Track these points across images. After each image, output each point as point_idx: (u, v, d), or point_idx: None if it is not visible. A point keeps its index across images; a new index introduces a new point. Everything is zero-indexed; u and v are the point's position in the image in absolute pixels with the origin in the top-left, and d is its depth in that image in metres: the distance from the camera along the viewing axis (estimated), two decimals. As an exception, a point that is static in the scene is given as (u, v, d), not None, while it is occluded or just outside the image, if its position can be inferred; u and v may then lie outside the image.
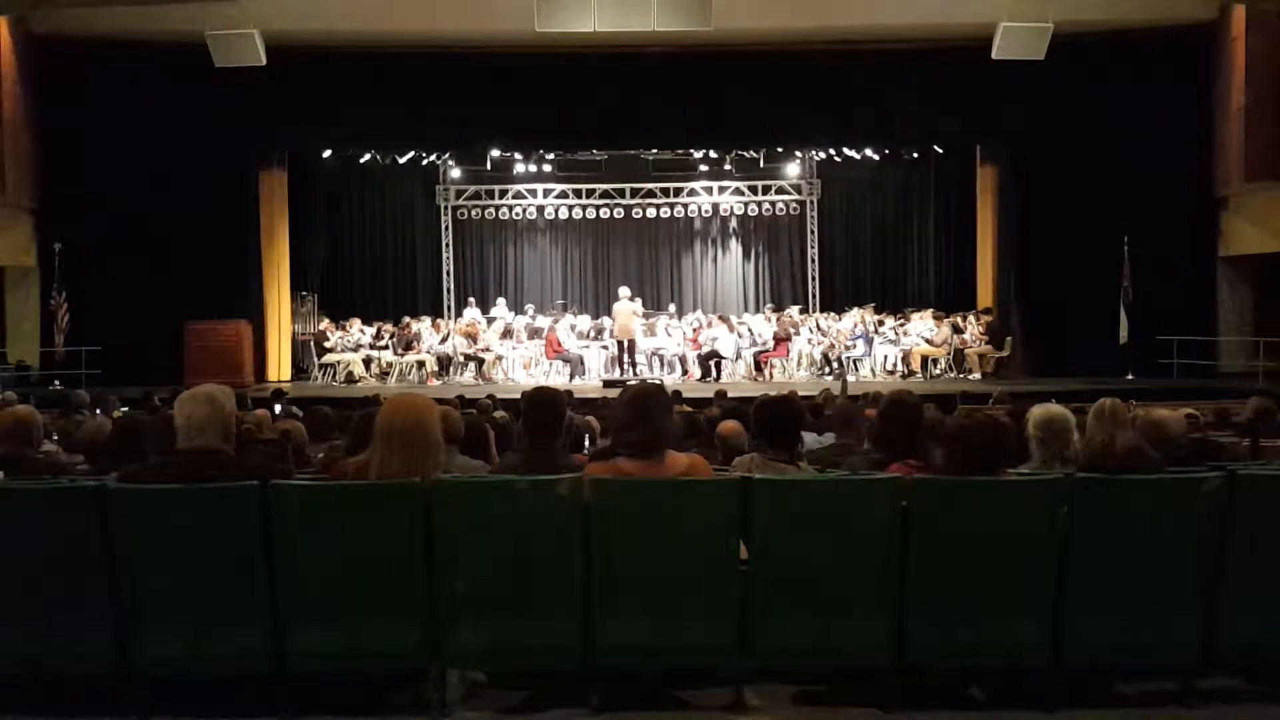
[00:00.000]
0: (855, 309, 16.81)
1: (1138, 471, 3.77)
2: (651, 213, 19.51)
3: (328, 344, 16.37)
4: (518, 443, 4.51)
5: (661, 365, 16.55)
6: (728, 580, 3.59)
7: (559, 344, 16.18)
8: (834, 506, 3.64)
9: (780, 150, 18.50)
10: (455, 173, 19.22)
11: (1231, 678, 3.83)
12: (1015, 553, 3.61)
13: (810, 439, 5.87)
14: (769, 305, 18.11)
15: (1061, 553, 3.60)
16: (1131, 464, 3.85)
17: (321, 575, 3.57)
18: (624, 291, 16.42)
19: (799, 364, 16.34)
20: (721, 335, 16.03)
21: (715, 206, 19.65)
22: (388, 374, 16.07)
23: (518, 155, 18.58)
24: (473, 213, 19.61)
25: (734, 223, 19.84)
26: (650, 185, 19.38)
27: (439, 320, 17.44)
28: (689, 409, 8.00)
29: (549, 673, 3.78)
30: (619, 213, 19.51)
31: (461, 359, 16.27)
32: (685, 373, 16.06)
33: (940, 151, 17.69)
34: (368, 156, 17.64)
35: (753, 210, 19.62)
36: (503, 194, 19.52)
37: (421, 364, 16.16)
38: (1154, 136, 14.79)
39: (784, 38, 15.22)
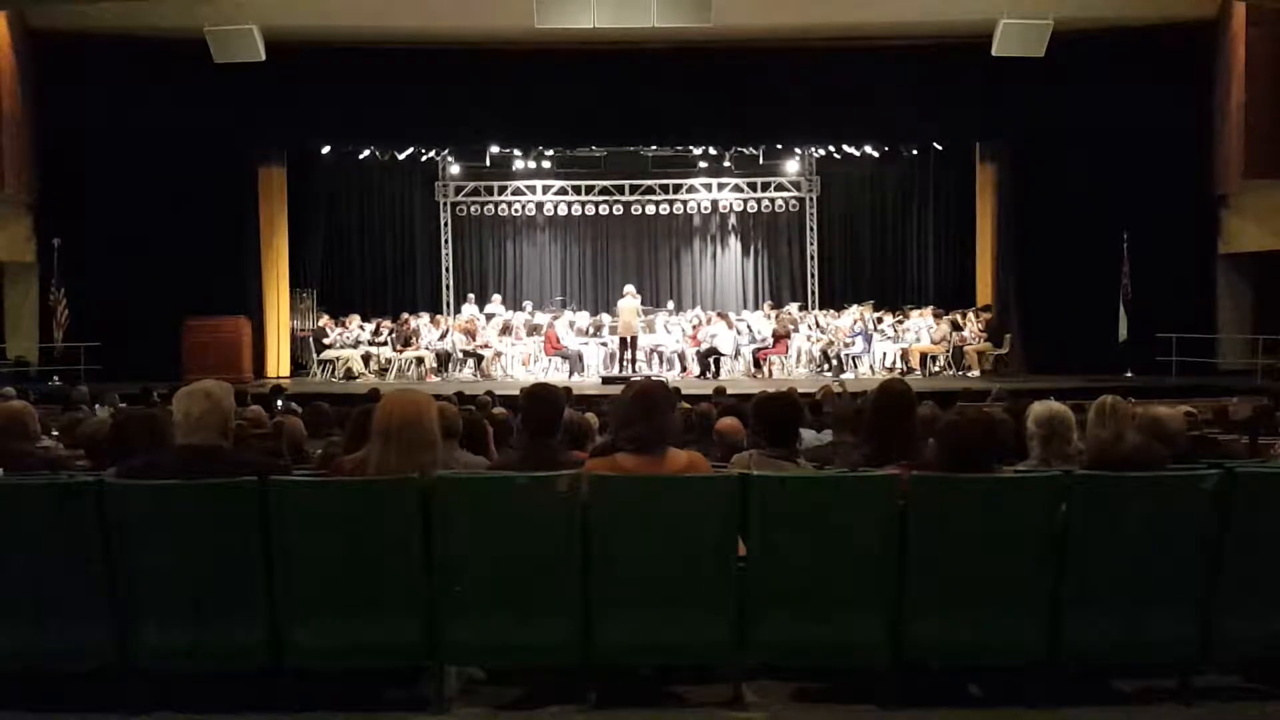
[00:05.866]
0: (854, 306, 16.80)
1: (1143, 469, 3.77)
2: (651, 209, 19.50)
3: (326, 340, 16.36)
4: (517, 439, 4.51)
5: (660, 362, 16.55)
6: (726, 577, 3.59)
7: (558, 341, 16.17)
8: (832, 504, 3.64)
9: (780, 147, 18.44)
10: (454, 169, 19.21)
11: (1229, 675, 3.83)
12: (1014, 550, 3.61)
13: (809, 436, 5.87)
14: (768, 302, 18.10)
15: (1060, 550, 3.60)
16: (1138, 462, 3.84)
17: (320, 571, 3.57)
18: (629, 289, 16.42)
19: (798, 361, 16.34)
20: (720, 332, 16.03)
21: (714, 203, 19.64)
22: (386, 370, 16.06)
23: (517, 152, 18.56)
24: (472, 209, 19.60)
25: (733, 219, 19.83)
26: (649, 182, 19.37)
27: (438, 317, 17.42)
28: (687, 406, 8.00)
29: (547, 669, 3.78)
30: (618, 209, 19.50)
31: (460, 355, 16.27)
32: (684, 370, 16.06)
33: (940, 148, 17.68)
34: (367, 153, 17.62)
35: (752, 207, 19.62)
36: (502, 190, 19.51)
37: (420, 360, 16.15)
38: (1154, 133, 14.79)
39: (783, 34, 15.20)
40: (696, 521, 3.60)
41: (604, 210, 19.53)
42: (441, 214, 19.42)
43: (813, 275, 19.50)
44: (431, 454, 3.67)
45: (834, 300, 18.44)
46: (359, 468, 3.68)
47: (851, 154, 17.93)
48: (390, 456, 3.62)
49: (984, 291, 17.09)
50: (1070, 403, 4.94)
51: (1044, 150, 15.41)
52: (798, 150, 18.73)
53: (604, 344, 16.62)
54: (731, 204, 19.64)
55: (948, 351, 16.00)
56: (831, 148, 18.00)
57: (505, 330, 16.73)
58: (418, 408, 3.73)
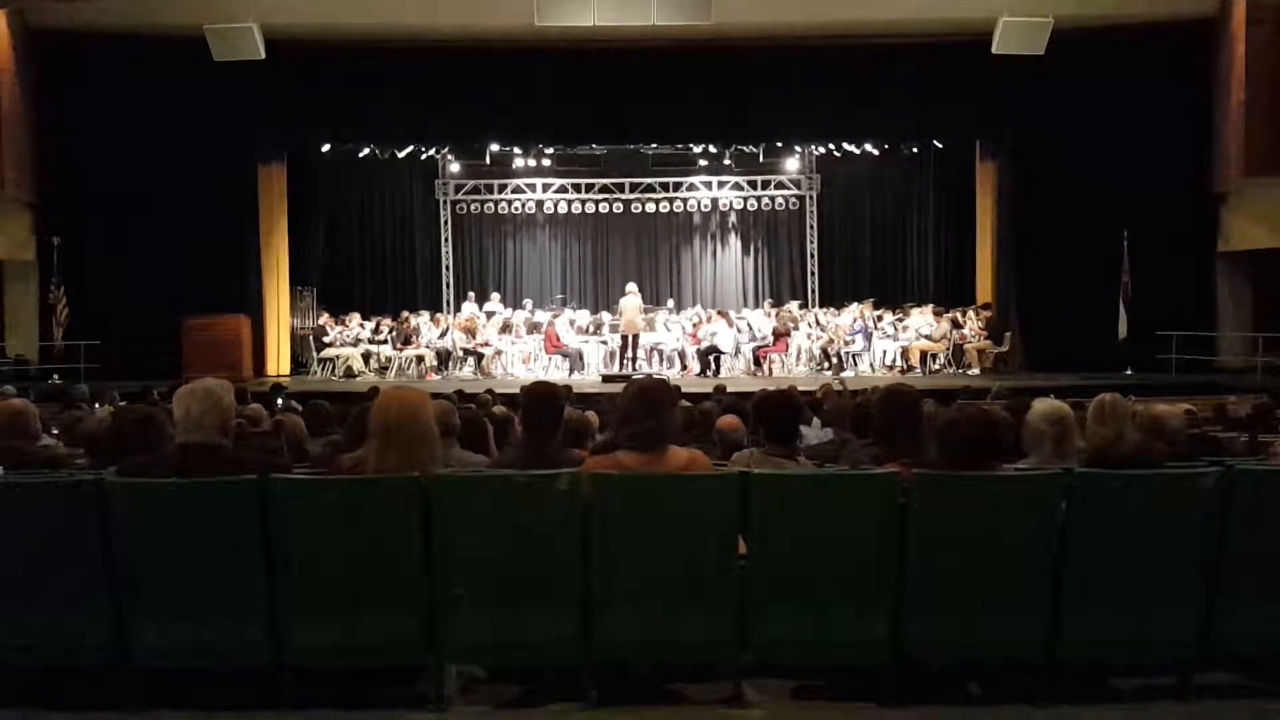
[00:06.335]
0: (854, 304, 16.80)
1: (1143, 467, 3.76)
2: (651, 207, 19.51)
3: (326, 339, 16.35)
4: (517, 437, 4.50)
5: (661, 360, 16.55)
6: (726, 575, 3.59)
7: (558, 339, 16.17)
8: (832, 502, 3.63)
9: (780, 145, 18.47)
10: (454, 167, 19.22)
11: (1229, 673, 3.83)
12: (1014, 548, 3.61)
13: (809, 434, 5.87)
14: (768, 300, 18.11)
15: (1060, 548, 3.60)
16: (1138, 460, 3.83)
17: (320, 570, 3.57)
18: (631, 287, 16.46)
19: (798, 359, 16.35)
20: (720, 330, 16.02)
21: (715, 201, 19.65)
22: (387, 369, 16.06)
23: (517, 150, 18.57)
24: (472, 207, 19.61)
25: (733, 217, 19.85)
26: (649, 180, 19.38)
27: (438, 315, 17.42)
28: (687, 404, 7.99)
29: (547, 667, 3.78)
30: (618, 207, 19.52)
31: (460, 354, 16.26)
32: (684, 368, 16.06)
33: (940, 146, 17.68)
34: (367, 151, 17.62)
35: (752, 205, 19.63)
36: (502, 188, 19.52)
37: (420, 359, 16.15)
38: (1153, 131, 14.79)
39: (783, 32, 15.20)
40: (697, 520, 3.60)
41: (604, 208, 19.54)
42: (441, 212, 19.43)
43: (813, 273, 19.51)
44: (429, 451, 3.67)
45: (834, 298, 18.45)
46: (358, 467, 3.68)
47: (852, 152, 17.93)
48: (388, 455, 3.62)
49: (984, 289, 17.09)
50: (1070, 401, 4.94)
51: (1044, 148, 15.40)
52: (798, 148, 18.75)
53: (604, 342, 16.63)
54: (731, 202, 19.65)
55: (948, 349, 16.00)
56: (831, 146, 18.00)
57: (505, 328, 16.73)
58: (414, 406, 3.72)
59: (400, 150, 17.80)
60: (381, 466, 3.61)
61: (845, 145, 17.76)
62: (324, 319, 16.82)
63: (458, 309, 18.13)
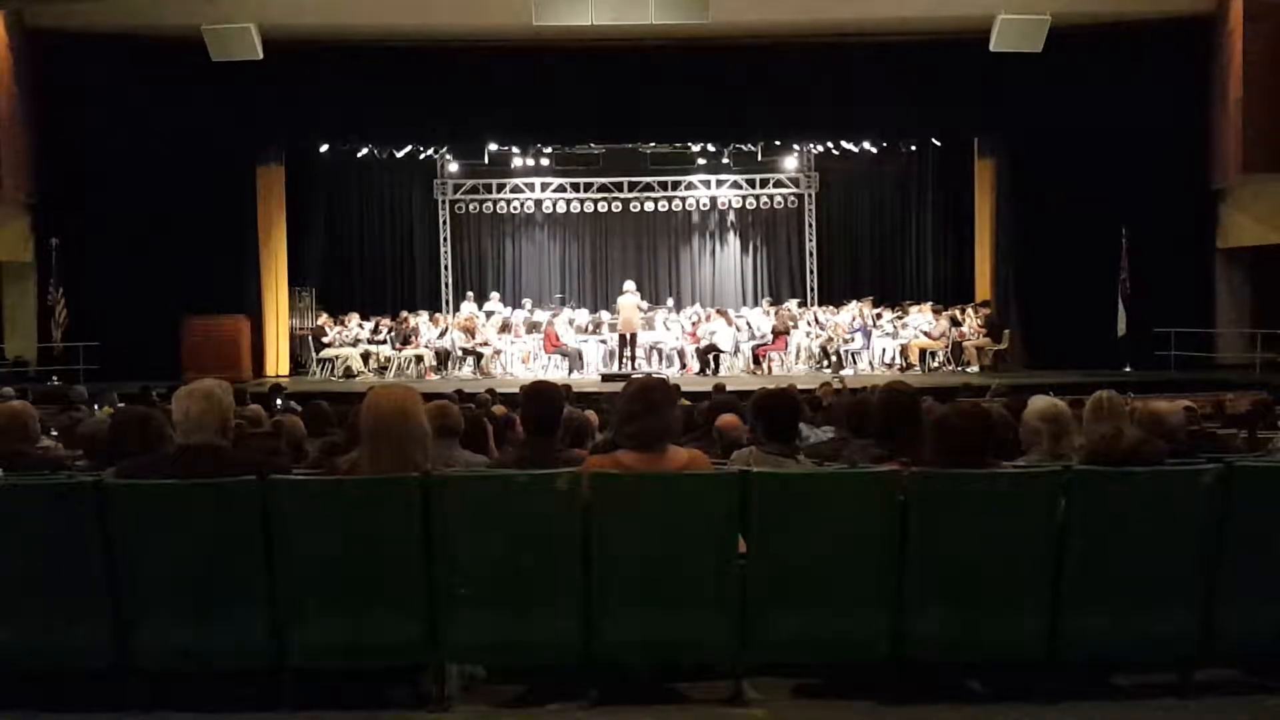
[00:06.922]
0: (853, 302, 16.82)
1: (1142, 464, 3.76)
2: (649, 206, 19.52)
3: (326, 339, 16.36)
4: (517, 437, 4.50)
5: (660, 359, 16.55)
6: (726, 574, 3.59)
7: (558, 338, 16.18)
8: (832, 500, 3.63)
9: (778, 143, 18.48)
10: (453, 167, 19.22)
11: (1230, 669, 3.83)
12: (1013, 546, 3.61)
13: (809, 433, 5.87)
14: (767, 299, 18.13)
15: (1060, 545, 3.59)
16: (1139, 456, 3.83)
17: (320, 570, 3.57)
18: (629, 285, 16.48)
19: (797, 357, 16.35)
20: (720, 329, 16.03)
21: (713, 200, 19.66)
22: (386, 369, 16.06)
23: (515, 149, 18.58)
24: (470, 207, 19.62)
25: (732, 216, 19.86)
26: (648, 179, 19.38)
27: (437, 315, 17.44)
28: (687, 403, 8.00)
29: (548, 667, 3.78)
30: (617, 206, 19.52)
31: (460, 354, 16.27)
32: (684, 367, 16.07)
33: (938, 144, 17.69)
34: (365, 150, 17.63)
35: (751, 204, 19.64)
36: (500, 188, 19.53)
37: (419, 359, 16.16)
38: (1152, 128, 14.81)
39: (781, 30, 15.21)
40: (697, 519, 3.59)
41: (603, 207, 19.56)
42: (440, 212, 19.44)
43: (812, 271, 19.52)
44: (422, 448, 3.64)
45: (833, 296, 18.46)
46: (354, 468, 3.67)
47: (850, 150, 17.93)
48: (382, 455, 3.60)
49: (983, 287, 17.10)
50: (1069, 398, 4.94)
51: (1042, 145, 15.42)
52: (796, 146, 18.74)
53: (603, 341, 16.64)
54: (730, 200, 19.65)
55: (947, 347, 16.01)
56: (830, 144, 18.00)
57: (505, 328, 16.74)
58: (402, 403, 3.69)
59: (399, 150, 17.81)
60: (375, 467, 3.60)
61: (843, 143, 17.75)
62: (323, 319, 16.83)
63: (457, 309, 18.13)
